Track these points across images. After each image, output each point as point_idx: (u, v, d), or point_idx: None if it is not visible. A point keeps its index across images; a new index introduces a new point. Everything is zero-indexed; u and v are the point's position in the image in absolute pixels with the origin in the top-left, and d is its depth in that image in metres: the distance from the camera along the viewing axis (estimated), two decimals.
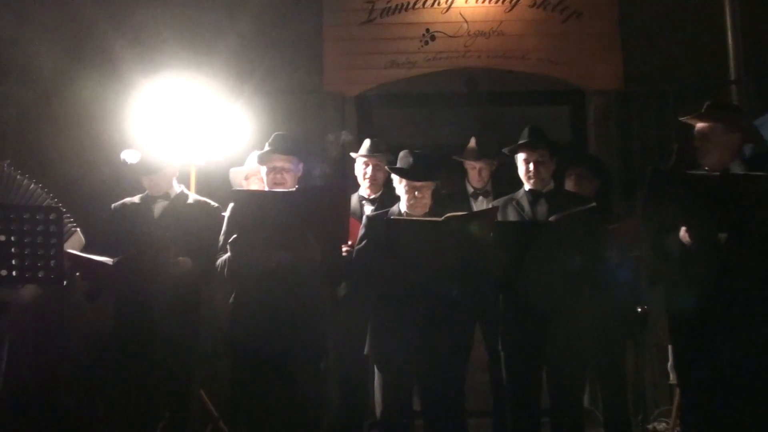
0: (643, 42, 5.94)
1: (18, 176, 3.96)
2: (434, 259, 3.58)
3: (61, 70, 5.61)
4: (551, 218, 3.69)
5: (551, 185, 3.98)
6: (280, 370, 3.61)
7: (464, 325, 4.12)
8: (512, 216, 3.90)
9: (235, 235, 3.67)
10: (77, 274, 3.83)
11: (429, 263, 3.59)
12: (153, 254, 3.85)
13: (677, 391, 4.69)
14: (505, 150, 4.05)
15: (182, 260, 3.92)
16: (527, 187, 3.96)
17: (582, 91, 6.08)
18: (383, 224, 3.72)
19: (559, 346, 3.70)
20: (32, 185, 4.01)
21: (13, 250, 3.35)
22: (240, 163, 4.77)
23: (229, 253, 3.73)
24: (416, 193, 3.80)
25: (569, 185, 4.42)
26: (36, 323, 4.99)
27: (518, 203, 3.94)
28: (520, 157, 3.97)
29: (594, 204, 3.73)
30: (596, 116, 5.97)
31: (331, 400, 4.61)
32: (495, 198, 4.46)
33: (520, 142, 3.96)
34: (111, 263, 3.83)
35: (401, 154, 3.94)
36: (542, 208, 3.88)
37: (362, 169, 4.62)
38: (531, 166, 3.91)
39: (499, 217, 3.86)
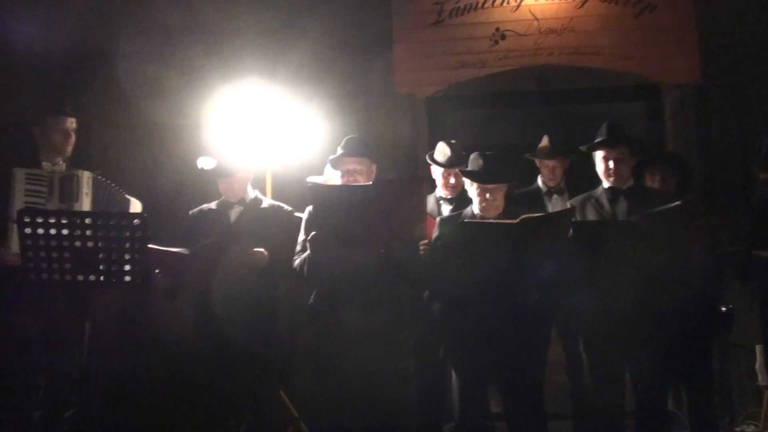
0: (719, 33, 5.76)
1: (111, 185, 4.11)
2: (510, 262, 3.53)
3: (142, 78, 5.76)
4: (635, 217, 3.60)
5: (630, 182, 3.89)
6: (360, 369, 3.63)
7: (541, 327, 4.05)
8: (591, 215, 3.84)
9: (314, 232, 3.69)
10: (156, 271, 3.91)
11: (504, 266, 3.54)
12: (229, 243, 3.92)
13: (766, 392, 4.53)
14: (583, 148, 3.98)
15: (259, 251, 3.96)
16: (606, 184, 3.88)
17: (658, 85, 5.95)
18: (456, 226, 3.68)
19: (643, 347, 3.61)
20: (122, 194, 4.16)
21: (100, 256, 3.43)
22: (313, 166, 4.81)
23: (308, 252, 3.75)
24: (487, 195, 3.77)
25: (649, 183, 4.31)
26: (119, 325, 5.14)
27: (597, 201, 3.87)
28: (599, 155, 3.90)
29: (680, 203, 3.62)
30: (673, 111, 5.82)
31: (411, 401, 4.59)
32: (569, 196, 4.41)
33: (599, 139, 3.90)
34: (189, 253, 3.91)
35: (471, 156, 3.93)
36: (622, 206, 3.82)
37: (441, 176, 4.61)
38: (611, 163, 3.84)
39: (578, 216, 3.81)
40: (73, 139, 4.20)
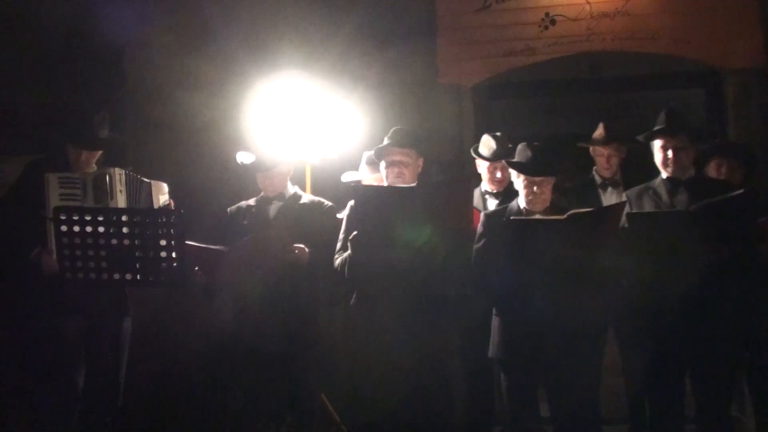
0: None
1: (140, 179, 4.16)
2: (559, 259, 3.49)
3: (178, 72, 5.82)
4: (693, 206, 3.54)
5: (691, 172, 3.83)
6: (404, 372, 3.61)
7: (596, 327, 4.01)
8: (648, 207, 3.79)
9: (355, 233, 3.70)
10: (196, 268, 3.95)
11: (553, 263, 3.50)
12: (269, 240, 3.94)
13: None
14: (641, 137, 3.92)
15: (300, 248, 3.98)
16: (665, 175, 3.83)
17: (718, 71, 5.82)
18: (502, 222, 3.66)
19: (704, 348, 3.55)
20: (147, 183, 4.20)
21: (137, 254, 3.47)
22: (353, 160, 4.81)
23: (349, 251, 3.75)
24: (535, 188, 3.75)
25: (714, 174, 4.23)
26: (156, 325, 5.21)
27: (655, 192, 3.82)
28: (657, 144, 3.84)
29: (742, 191, 3.54)
30: (735, 98, 5.69)
31: (456, 404, 4.57)
32: (626, 189, 4.31)
33: (657, 127, 3.84)
34: (227, 250, 3.95)
35: (519, 147, 3.90)
36: (682, 197, 3.75)
37: (487, 171, 4.58)
38: (670, 153, 3.78)
39: (634, 208, 3.75)
40: (85, 160, 4.17)
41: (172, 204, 4.23)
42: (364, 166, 4.71)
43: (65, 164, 4.13)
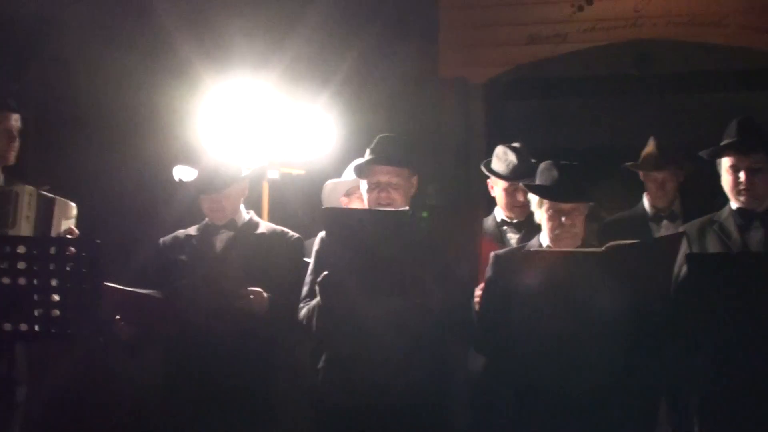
0: None
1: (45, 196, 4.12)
2: (596, 309, 3.45)
3: (97, 57, 5.78)
4: None
5: None
6: None
7: (643, 402, 3.98)
8: (713, 245, 3.79)
9: (325, 273, 3.65)
10: (117, 317, 3.90)
11: (588, 315, 3.45)
12: (214, 282, 3.91)
13: None
14: (703, 153, 3.91)
15: (256, 292, 3.93)
16: (735, 205, 3.83)
17: None
18: (516, 265, 3.62)
19: None
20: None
21: (35, 297, 3.41)
22: (324, 175, 4.79)
23: (317, 299, 3.71)
24: (563, 218, 3.69)
25: None
26: (61, 394, 5.15)
27: (721, 227, 3.83)
28: (726, 164, 3.84)
29: None
30: None
31: None
32: (685, 222, 4.35)
33: (726, 141, 3.85)
34: (161, 296, 3.91)
35: (542, 166, 3.86)
36: (757, 234, 3.77)
37: (504, 193, 4.56)
38: (742, 175, 3.77)
39: (695, 247, 3.74)
40: (17, 143, 4.17)
41: (74, 233, 4.16)
42: (351, 171, 4.67)
43: None
